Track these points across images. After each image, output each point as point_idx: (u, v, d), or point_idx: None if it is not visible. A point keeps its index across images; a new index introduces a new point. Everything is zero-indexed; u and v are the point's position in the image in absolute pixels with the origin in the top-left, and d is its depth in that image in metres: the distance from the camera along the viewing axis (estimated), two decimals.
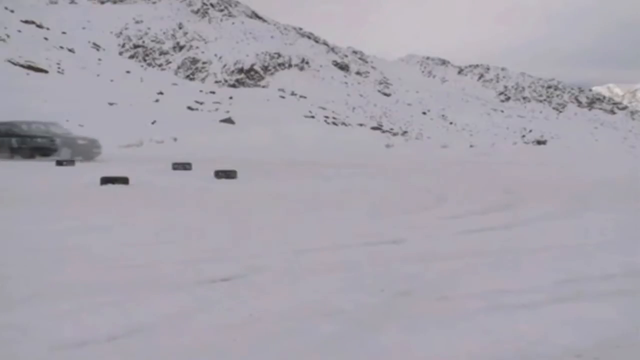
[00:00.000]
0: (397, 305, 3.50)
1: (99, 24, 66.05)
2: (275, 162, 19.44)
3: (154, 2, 76.91)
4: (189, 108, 42.21)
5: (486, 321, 3.21)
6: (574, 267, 4.50)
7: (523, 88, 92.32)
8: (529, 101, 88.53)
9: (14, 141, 18.10)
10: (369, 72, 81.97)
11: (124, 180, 10.02)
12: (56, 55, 50.40)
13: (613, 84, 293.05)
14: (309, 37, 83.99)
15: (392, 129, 54.73)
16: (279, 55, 70.19)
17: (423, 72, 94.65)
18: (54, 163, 14.96)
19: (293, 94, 59.31)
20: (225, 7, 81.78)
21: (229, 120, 37.37)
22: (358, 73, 79.93)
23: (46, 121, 19.66)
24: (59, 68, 47.13)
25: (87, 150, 17.97)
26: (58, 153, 17.60)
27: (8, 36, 49.03)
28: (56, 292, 3.59)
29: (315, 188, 10.88)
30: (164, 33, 70.11)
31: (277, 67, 68.87)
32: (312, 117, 47.59)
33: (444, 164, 21.74)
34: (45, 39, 53.42)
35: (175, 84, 54.36)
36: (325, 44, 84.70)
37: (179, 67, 66.16)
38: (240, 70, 66.68)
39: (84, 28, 63.47)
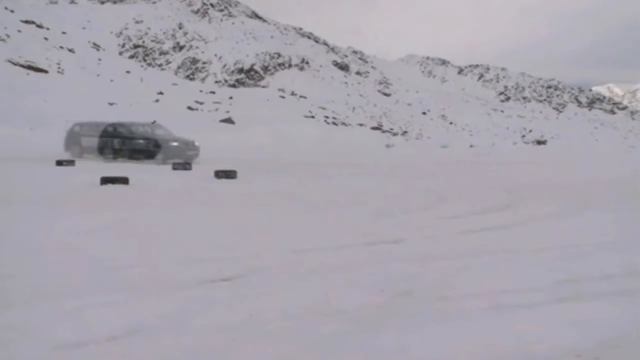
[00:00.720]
0: (397, 305, 3.50)
1: (99, 24, 66.06)
2: (275, 162, 19.44)
3: (154, 2, 76.90)
4: (189, 108, 42.21)
5: (486, 321, 3.21)
6: (574, 267, 4.50)
7: (523, 88, 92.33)
8: (529, 101, 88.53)
9: (116, 142, 18.08)
10: (369, 72, 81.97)
11: (124, 181, 10.00)
12: (56, 55, 50.41)
13: (613, 84, 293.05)
14: (309, 37, 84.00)
15: (392, 129, 54.74)
16: (279, 55, 70.21)
17: (423, 72, 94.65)
18: (54, 162, 14.92)
19: (293, 94, 59.33)
20: (225, 7, 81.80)
21: (229, 120, 37.37)
22: (358, 73, 79.93)
23: (150, 122, 19.38)
24: (59, 68, 47.14)
25: (180, 153, 17.37)
26: (156, 155, 17.23)
27: (8, 36, 49.01)
28: (56, 292, 3.59)
29: (315, 188, 10.88)
30: (164, 33, 70.14)
31: (277, 67, 68.89)
32: (312, 117, 47.60)
33: (444, 164, 21.74)
34: (45, 39, 53.41)
35: (175, 84, 54.38)
36: (325, 44, 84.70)
37: (179, 67, 66.19)
38: (240, 70, 66.71)
39: (84, 28, 63.48)
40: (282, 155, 23.12)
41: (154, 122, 20.69)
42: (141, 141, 17.86)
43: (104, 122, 19.04)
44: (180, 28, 72.15)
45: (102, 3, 73.91)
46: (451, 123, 66.75)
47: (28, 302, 3.39)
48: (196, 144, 18.24)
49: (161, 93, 45.97)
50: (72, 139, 19.03)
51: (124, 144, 18.00)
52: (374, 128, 51.69)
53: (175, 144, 17.63)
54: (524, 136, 64.25)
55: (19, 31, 51.84)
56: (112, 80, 48.02)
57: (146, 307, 3.34)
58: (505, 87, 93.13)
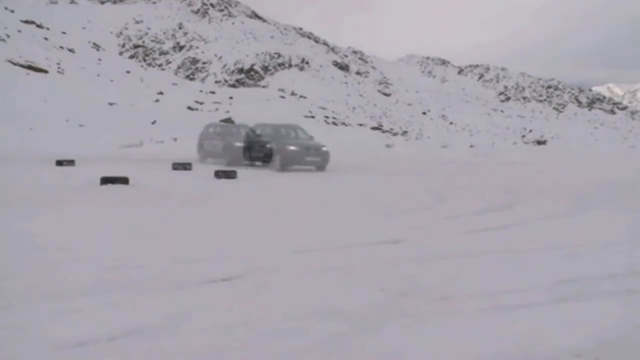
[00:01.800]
0: (397, 306, 3.50)
1: (99, 24, 65.99)
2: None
3: (154, 2, 76.84)
4: (189, 108, 42.21)
5: (486, 321, 3.21)
6: (574, 267, 4.50)
7: (523, 88, 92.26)
8: (529, 101, 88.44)
9: (245, 147, 16.77)
10: (369, 72, 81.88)
11: (123, 180, 10.01)
12: (56, 55, 50.30)
13: (613, 84, 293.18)
14: (309, 37, 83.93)
15: (392, 129, 54.70)
16: (279, 55, 70.11)
17: (423, 72, 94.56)
18: (53, 163, 14.91)
19: (293, 94, 59.27)
20: (225, 7, 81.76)
21: (229, 120, 37.33)
22: (358, 73, 79.84)
23: (288, 123, 18.08)
24: (59, 68, 47.07)
25: (299, 158, 15.51)
26: (272, 160, 15.71)
27: (8, 36, 48.90)
28: (55, 292, 3.59)
29: (315, 188, 10.89)
30: (164, 33, 70.07)
31: (277, 67, 68.79)
32: (312, 117, 47.58)
33: (444, 163, 21.73)
34: (45, 39, 53.30)
35: (175, 84, 54.29)
36: (325, 44, 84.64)
37: (179, 67, 66.13)
38: (240, 70, 66.65)
39: (84, 28, 63.40)
40: None
41: (291, 125, 18.49)
42: (260, 145, 16.32)
43: (236, 125, 18.20)
44: (180, 28, 72.13)
45: (102, 3, 73.91)
46: (451, 123, 66.73)
47: (27, 302, 3.38)
48: (324, 149, 15.97)
49: (161, 93, 45.95)
50: (200, 141, 18.41)
51: (247, 148, 16.73)
52: (374, 128, 51.64)
53: (292, 148, 15.62)
54: (524, 136, 64.23)
55: (19, 31, 51.77)
56: (112, 80, 47.95)
57: (146, 307, 3.34)
58: (505, 87, 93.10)
